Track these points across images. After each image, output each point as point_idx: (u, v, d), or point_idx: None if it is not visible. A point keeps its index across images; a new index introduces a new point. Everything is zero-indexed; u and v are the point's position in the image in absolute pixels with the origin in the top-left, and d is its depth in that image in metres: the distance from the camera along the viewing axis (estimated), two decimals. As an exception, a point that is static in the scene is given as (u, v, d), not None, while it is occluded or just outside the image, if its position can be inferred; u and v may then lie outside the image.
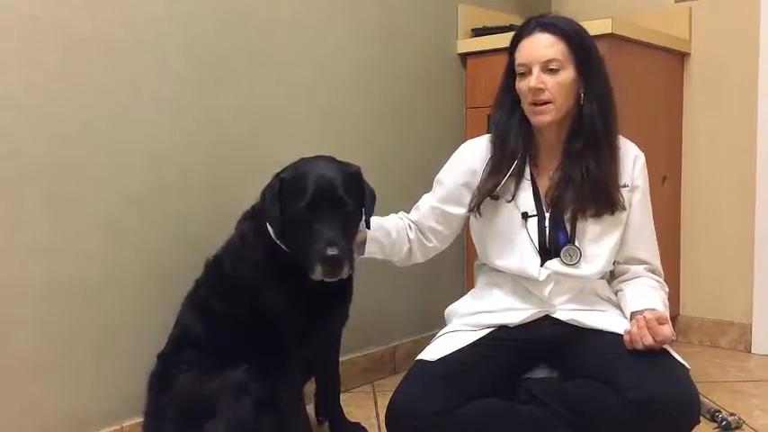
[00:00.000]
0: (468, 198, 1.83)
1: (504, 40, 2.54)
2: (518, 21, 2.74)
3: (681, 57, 2.85)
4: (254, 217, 1.71)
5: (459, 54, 2.70)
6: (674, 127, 2.86)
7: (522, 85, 1.73)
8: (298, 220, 1.56)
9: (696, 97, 2.85)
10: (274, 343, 1.63)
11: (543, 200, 1.79)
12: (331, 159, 1.66)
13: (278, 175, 1.64)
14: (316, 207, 1.55)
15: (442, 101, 2.64)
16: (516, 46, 1.76)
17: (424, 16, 2.56)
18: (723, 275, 2.82)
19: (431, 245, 1.87)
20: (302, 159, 1.66)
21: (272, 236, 1.63)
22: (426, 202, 1.87)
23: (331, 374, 1.91)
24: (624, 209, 1.76)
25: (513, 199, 1.77)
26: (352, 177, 1.64)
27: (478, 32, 2.69)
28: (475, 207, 1.80)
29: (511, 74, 1.78)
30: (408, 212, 1.89)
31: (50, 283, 1.68)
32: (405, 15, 2.49)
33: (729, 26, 2.76)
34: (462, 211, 1.84)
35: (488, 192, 1.77)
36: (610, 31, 2.35)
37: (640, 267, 1.82)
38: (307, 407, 1.79)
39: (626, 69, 2.48)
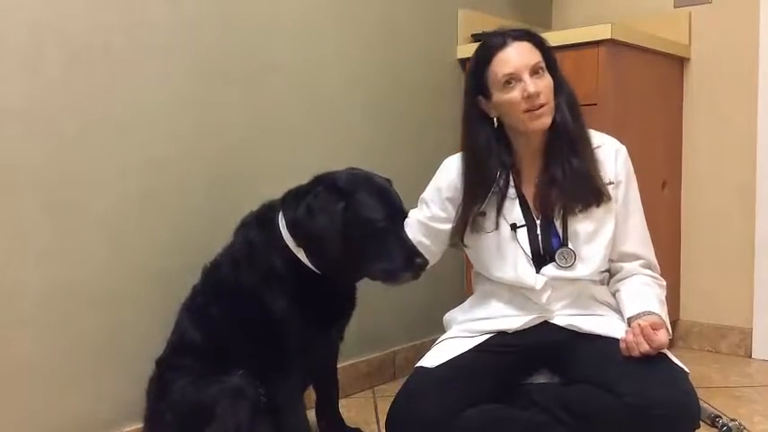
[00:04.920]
0: (451, 215, 1.82)
1: (503, 45, 2.57)
2: (518, 26, 2.75)
3: (680, 62, 2.86)
4: (262, 225, 1.69)
5: (458, 59, 2.70)
6: (674, 132, 2.86)
7: (512, 95, 1.69)
8: (369, 236, 1.58)
9: (696, 102, 2.86)
10: (275, 349, 1.63)
11: (532, 208, 1.78)
12: (365, 171, 1.69)
13: (323, 190, 1.61)
14: (392, 221, 1.61)
15: (441, 106, 2.65)
16: (490, 61, 1.72)
17: (423, 21, 2.57)
18: (723, 280, 2.81)
19: None
20: (338, 173, 1.66)
21: (291, 247, 1.62)
22: (413, 216, 1.85)
23: (330, 380, 1.91)
24: (610, 198, 1.75)
25: (497, 228, 1.75)
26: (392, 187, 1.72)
27: (478, 38, 2.69)
28: (457, 240, 1.80)
29: (475, 93, 1.75)
30: None
31: (51, 289, 1.68)
32: (405, 21, 2.50)
33: (729, 31, 2.76)
34: (447, 227, 1.84)
35: (472, 222, 1.76)
36: (609, 37, 2.36)
37: (635, 264, 1.81)
38: (306, 412, 1.79)
39: (626, 74, 2.49)
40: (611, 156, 1.79)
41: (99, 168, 1.75)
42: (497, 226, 1.76)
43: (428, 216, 1.84)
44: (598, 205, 1.74)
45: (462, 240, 1.79)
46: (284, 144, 2.15)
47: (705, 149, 2.84)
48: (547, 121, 1.71)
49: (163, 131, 1.87)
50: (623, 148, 1.82)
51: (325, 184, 1.63)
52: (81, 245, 1.73)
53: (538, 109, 1.69)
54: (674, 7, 2.88)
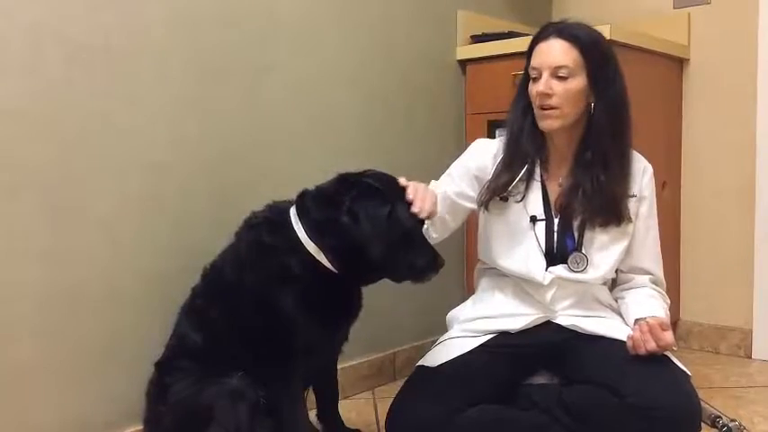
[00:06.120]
0: (476, 193, 1.82)
1: (503, 46, 2.58)
2: (517, 27, 2.76)
3: (680, 62, 2.86)
4: (273, 226, 1.66)
5: (458, 60, 2.70)
6: (674, 132, 2.87)
7: (532, 88, 1.73)
8: (404, 239, 1.60)
9: (695, 103, 2.86)
10: (278, 351, 1.63)
11: (552, 205, 1.79)
12: (380, 171, 1.68)
13: (362, 194, 1.59)
14: (420, 222, 1.63)
15: (441, 107, 2.65)
16: (532, 49, 1.76)
17: (423, 23, 2.57)
18: (723, 281, 2.82)
19: (435, 235, 1.83)
20: (364, 175, 1.64)
21: (309, 248, 1.61)
22: (439, 189, 1.83)
23: (330, 381, 1.90)
24: (631, 221, 1.76)
25: (522, 199, 1.77)
26: None
27: (478, 39, 2.69)
28: (483, 203, 1.79)
29: (527, 76, 1.78)
30: None
31: (51, 291, 1.68)
32: (404, 22, 2.50)
33: (728, 32, 2.76)
34: (470, 205, 1.84)
35: (500, 189, 1.77)
36: (608, 38, 2.35)
37: (645, 278, 1.82)
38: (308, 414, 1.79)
39: (625, 75, 2.48)
40: (639, 172, 1.80)
41: (99, 170, 1.75)
42: (523, 198, 1.77)
43: (456, 191, 1.83)
44: (618, 225, 1.74)
45: (487, 205, 1.79)
46: (284, 145, 2.14)
47: (704, 150, 2.85)
48: (552, 124, 1.71)
49: (162, 133, 1.87)
50: (650, 167, 1.84)
51: (360, 186, 1.61)
52: (81, 246, 1.73)
53: (546, 109, 1.70)
54: (674, 8, 2.88)
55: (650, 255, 1.83)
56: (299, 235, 1.62)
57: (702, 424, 1.82)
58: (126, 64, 1.79)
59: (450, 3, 2.67)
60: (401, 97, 2.50)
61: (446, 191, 1.83)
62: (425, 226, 1.69)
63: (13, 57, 1.61)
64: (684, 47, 2.83)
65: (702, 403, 1.71)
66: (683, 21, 2.84)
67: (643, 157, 1.84)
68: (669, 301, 1.83)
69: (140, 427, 1.74)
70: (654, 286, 1.82)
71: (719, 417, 2.02)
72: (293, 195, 1.69)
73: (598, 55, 1.72)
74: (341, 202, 1.59)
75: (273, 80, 2.11)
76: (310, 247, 1.61)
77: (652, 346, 1.61)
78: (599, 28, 2.33)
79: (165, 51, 1.86)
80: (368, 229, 1.56)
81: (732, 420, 2.00)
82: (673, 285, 2.73)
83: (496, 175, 1.78)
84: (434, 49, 2.62)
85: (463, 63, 2.71)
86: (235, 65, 2.02)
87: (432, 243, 1.84)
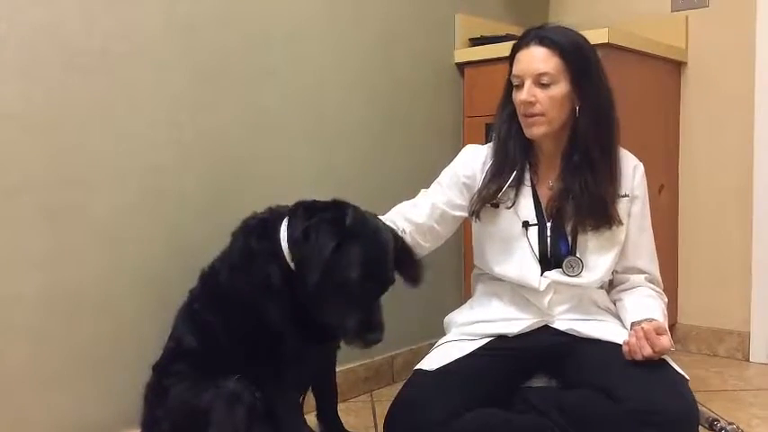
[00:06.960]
0: (467, 201, 1.82)
1: (501, 49, 2.58)
2: (515, 30, 2.76)
3: (677, 66, 2.86)
4: (264, 231, 1.64)
5: (456, 63, 2.70)
6: (671, 136, 2.87)
7: (515, 96, 1.73)
8: (339, 288, 1.51)
9: (693, 106, 2.86)
10: (272, 356, 1.63)
11: (544, 209, 1.79)
12: (379, 223, 1.62)
13: (326, 221, 1.54)
14: (368, 285, 1.53)
15: (440, 110, 2.65)
16: (514, 56, 1.76)
17: (422, 26, 2.57)
18: (721, 284, 2.82)
19: (427, 245, 1.84)
20: (353, 211, 1.58)
21: (288, 259, 1.59)
22: (427, 202, 1.83)
23: (328, 384, 1.90)
24: (622, 224, 1.76)
25: (513, 205, 1.77)
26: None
27: (476, 42, 2.70)
28: (475, 212, 1.79)
29: (511, 83, 1.78)
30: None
31: (48, 294, 1.68)
32: (403, 25, 2.50)
33: (726, 35, 2.77)
34: (461, 214, 1.84)
35: (490, 197, 1.76)
36: (606, 41, 2.36)
37: (640, 277, 1.82)
38: (305, 418, 1.79)
39: (623, 79, 2.48)
40: (629, 171, 1.80)
41: (97, 173, 1.75)
42: (514, 204, 1.76)
43: (444, 201, 1.82)
44: (609, 228, 1.74)
45: (478, 214, 1.78)
46: (282, 149, 2.14)
47: (702, 153, 2.85)
48: (537, 131, 1.72)
49: (160, 136, 1.87)
50: (641, 166, 1.83)
51: (334, 215, 1.56)
52: (80, 249, 1.73)
53: (530, 117, 1.70)
54: (671, 11, 2.89)
55: (645, 254, 1.83)
56: (282, 244, 1.61)
57: (700, 427, 1.82)
58: (124, 68, 1.79)
59: (449, 6, 2.68)
60: (399, 100, 2.50)
61: (436, 201, 1.83)
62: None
63: (11, 60, 1.61)
64: (682, 50, 2.84)
65: (700, 406, 1.71)
66: (681, 24, 2.84)
67: (633, 156, 1.84)
68: (667, 300, 1.83)
69: (138, 430, 1.74)
70: (651, 285, 1.82)
71: (717, 420, 2.02)
72: (289, 199, 1.69)
73: (580, 59, 1.70)
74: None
75: (272, 84, 2.11)
76: (288, 257, 1.59)
77: (648, 351, 1.61)
78: (598, 31, 2.37)
79: (163, 55, 1.86)
80: (308, 252, 1.52)
81: (730, 423, 2.00)
82: (670, 288, 2.74)
83: (486, 183, 1.78)
84: (433, 53, 2.63)
85: (461, 66, 2.71)
86: (233, 69, 2.02)
87: (424, 252, 1.83)
